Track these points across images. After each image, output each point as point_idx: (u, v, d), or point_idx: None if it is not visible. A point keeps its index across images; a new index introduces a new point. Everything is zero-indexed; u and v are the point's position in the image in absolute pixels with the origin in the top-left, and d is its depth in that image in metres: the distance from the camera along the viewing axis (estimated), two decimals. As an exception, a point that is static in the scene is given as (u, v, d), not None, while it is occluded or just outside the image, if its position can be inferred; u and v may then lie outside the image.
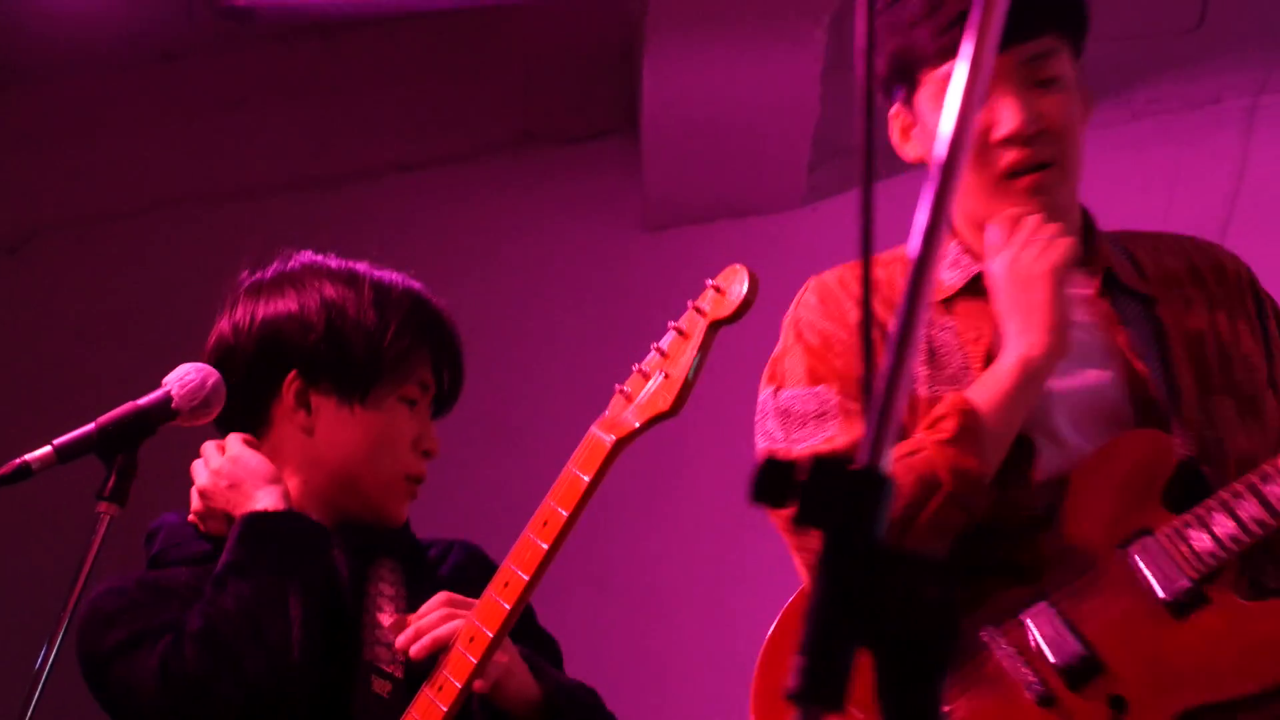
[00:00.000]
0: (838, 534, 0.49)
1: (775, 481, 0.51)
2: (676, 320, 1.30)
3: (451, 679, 1.34)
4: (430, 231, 2.74)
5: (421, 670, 1.39)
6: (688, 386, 1.28)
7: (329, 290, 1.49)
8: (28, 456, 1.29)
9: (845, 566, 0.48)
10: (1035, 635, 1.20)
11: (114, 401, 1.34)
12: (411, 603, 1.48)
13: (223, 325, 1.53)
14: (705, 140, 2.54)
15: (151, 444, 1.33)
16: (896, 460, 1.05)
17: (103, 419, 1.32)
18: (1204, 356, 1.32)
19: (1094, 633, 1.19)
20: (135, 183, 2.86)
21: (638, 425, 1.30)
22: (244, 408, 1.49)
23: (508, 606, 1.32)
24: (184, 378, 1.37)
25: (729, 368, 1.46)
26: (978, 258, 1.33)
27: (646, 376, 1.32)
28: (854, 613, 0.47)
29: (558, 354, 2.78)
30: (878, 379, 0.54)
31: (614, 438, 1.31)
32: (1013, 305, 1.25)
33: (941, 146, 0.54)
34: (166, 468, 1.44)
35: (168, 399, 1.35)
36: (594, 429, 1.34)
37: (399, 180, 2.83)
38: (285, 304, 1.50)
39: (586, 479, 1.31)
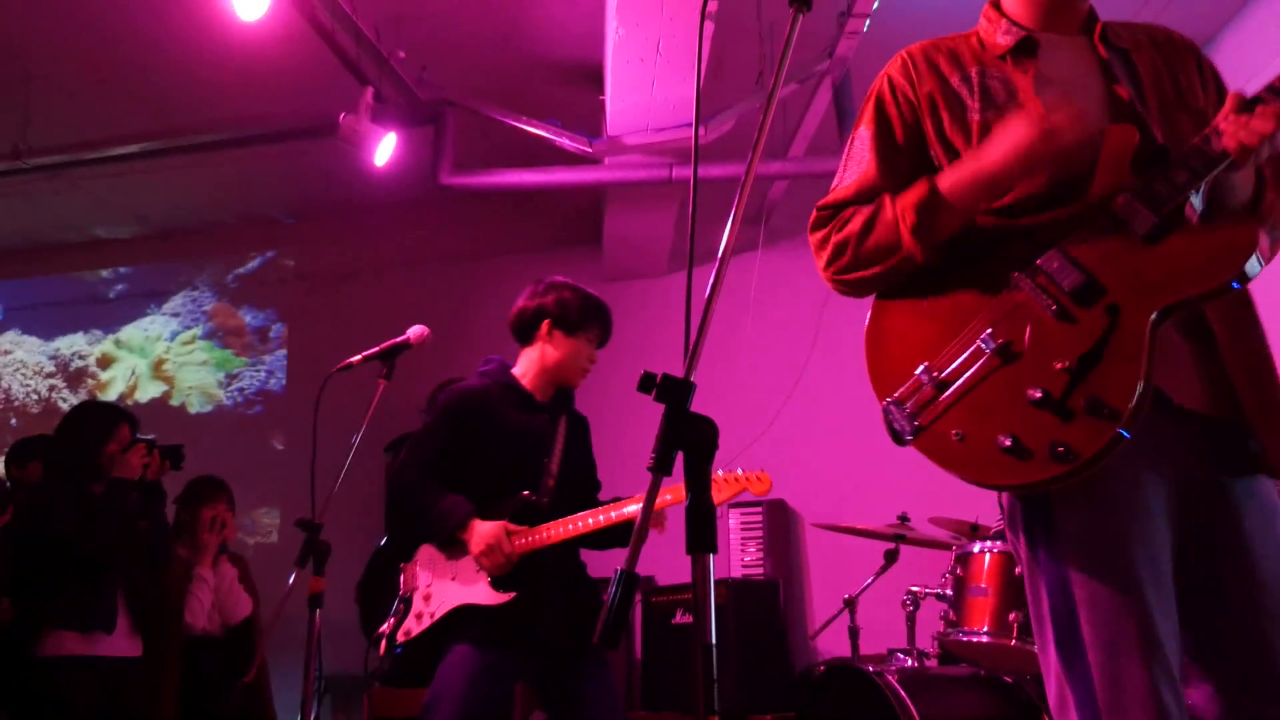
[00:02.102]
0: (670, 406, 1.34)
1: (650, 384, 1.35)
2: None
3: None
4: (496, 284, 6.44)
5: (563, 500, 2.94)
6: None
7: (567, 293, 3.10)
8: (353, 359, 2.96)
9: (671, 419, 1.33)
10: (1049, 272, 1.57)
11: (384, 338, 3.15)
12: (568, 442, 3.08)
13: (522, 303, 3.12)
14: (636, 247, 6.02)
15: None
16: (878, 225, 1.69)
17: (385, 344, 2.93)
18: (1165, 91, 1.68)
19: (1092, 264, 1.54)
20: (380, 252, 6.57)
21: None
22: (522, 334, 3.12)
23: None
24: (417, 330, 2.99)
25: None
26: (1025, 27, 1.72)
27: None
28: (674, 435, 1.34)
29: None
30: (693, 333, 1.36)
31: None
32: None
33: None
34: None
35: (408, 340, 2.96)
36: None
37: (505, 258, 6.50)
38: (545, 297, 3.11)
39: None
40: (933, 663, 3.45)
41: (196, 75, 5.09)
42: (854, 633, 3.82)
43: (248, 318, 6.80)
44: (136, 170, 5.93)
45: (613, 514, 2.86)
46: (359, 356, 2.94)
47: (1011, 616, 3.02)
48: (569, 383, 3.14)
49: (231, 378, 6.70)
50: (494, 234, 6.49)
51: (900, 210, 1.67)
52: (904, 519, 3.81)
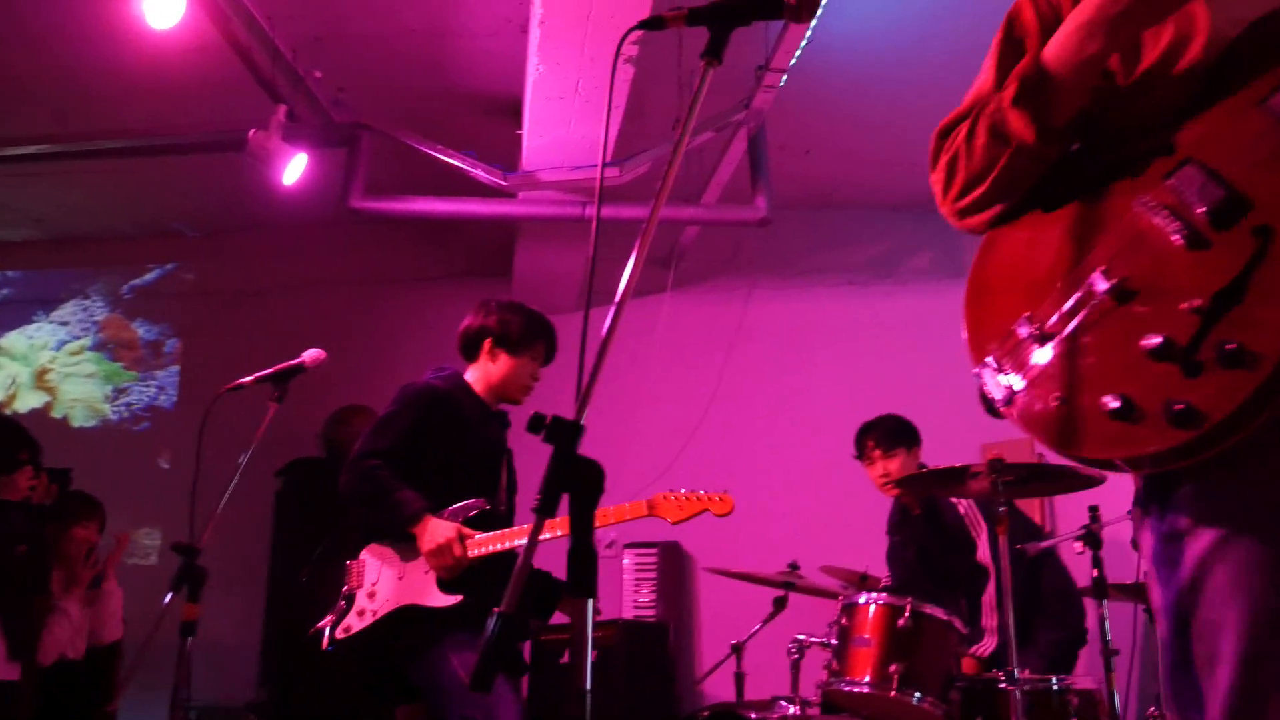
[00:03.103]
0: (557, 448, 1.35)
1: (539, 425, 1.37)
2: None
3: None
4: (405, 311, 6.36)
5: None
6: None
7: (510, 314, 3.21)
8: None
9: (558, 461, 1.34)
10: (1180, 190, 1.24)
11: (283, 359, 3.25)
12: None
13: (468, 321, 3.22)
14: (545, 283, 6.03)
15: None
16: (982, 118, 1.46)
17: (279, 366, 2.93)
18: None
19: (1236, 177, 1.21)
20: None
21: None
22: (467, 351, 3.18)
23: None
24: (313, 354, 2.98)
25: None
26: None
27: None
28: (560, 477, 1.35)
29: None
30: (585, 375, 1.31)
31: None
32: None
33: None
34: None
35: (302, 364, 2.96)
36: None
37: (413, 287, 6.44)
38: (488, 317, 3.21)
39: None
40: (815, 711, 3.48)
41: (103, 80, 4.96)
42: (739, 678, 3.83)
43: (141, 331, 6.59)
44: (34, 172, 5.74)
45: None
46: (251, 377, 2.89)
47: (892, 668, 3.06)
48: (512, 400, 3.19)
49: (120, 392, 6.48)
50: (402, 261, 6.44)
51: (1003, 92, 1.44)
52: (794, 566, 3.85)
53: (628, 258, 1.57)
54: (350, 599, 2.93)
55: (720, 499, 2.95)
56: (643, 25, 1.69)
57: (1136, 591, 3.48)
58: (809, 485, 5.90)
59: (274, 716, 4.82)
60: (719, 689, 4.72)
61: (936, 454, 4.24)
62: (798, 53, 4.28)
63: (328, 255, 6.36)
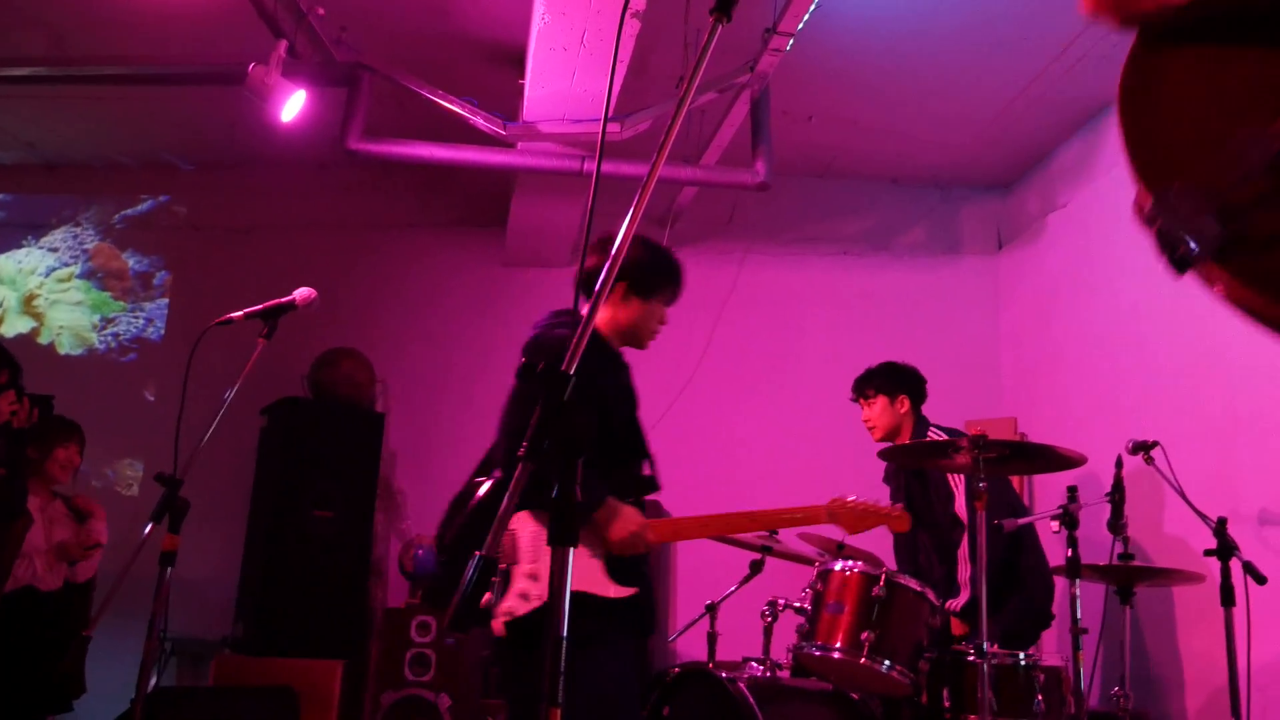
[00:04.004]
0: (547, 396, 1.41)
1: (530, 372, 1.72)
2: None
3: None
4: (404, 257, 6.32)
5: None
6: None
7: (639, 253, 2.83)
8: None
9: (548, 409, 1.40)
10: None
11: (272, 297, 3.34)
12: None
13: (592, 261, 2.79)
14: (540, 235, 6.00)
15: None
16: None
17: (269, 303, 2.91)
18: None
19: None
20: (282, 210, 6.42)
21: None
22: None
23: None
24: (304, 292, 3.03)
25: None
26: None
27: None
28: (548, 425, 1.39)
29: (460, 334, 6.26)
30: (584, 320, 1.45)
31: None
32: None
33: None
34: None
35: (293, 301, 2.97)
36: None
37: (407, 233, 6.41)
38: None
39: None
40: (785, 674, 3.52)
41: (102, 6, 4.88)
42: (712, 638, 3.87)
43: (131, 261, 6.55)
44: (27, 95, 5.66)
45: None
46: (240, 312, 2.87)
47: (864, 635, 3.10)
48: (639, 345, 2.94)
49: (107, 321, 6.44)
50: (397, 206, 6.40)
51: None
52: (773, 532, 3.88)
53: (624, 215, 1.56)
54: (506, 576, 2.56)
55: (899, 515, 2.91)
56: (653, -22, 1.68)
57: (1108, 573, 3.52)
58: (792, 450, 5.93)
59: (249, 651, 4.85)
60: (692, 648, 4.77)
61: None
62: (806, 17, 4.23)
63: (322, 196, 6.31)
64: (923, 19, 4.72)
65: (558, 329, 2.77)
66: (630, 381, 2.88)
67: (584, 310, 2.82)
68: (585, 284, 2.78)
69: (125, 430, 6.05)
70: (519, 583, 2.53)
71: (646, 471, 2.78)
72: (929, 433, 4.11)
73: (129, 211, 6.65)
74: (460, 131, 5.00)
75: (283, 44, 4.56)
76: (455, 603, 1.39)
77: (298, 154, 5.82)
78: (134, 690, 2.54)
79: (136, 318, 6.41)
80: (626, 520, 2.59)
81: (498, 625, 2.50)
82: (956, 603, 3.86)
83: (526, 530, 2.58)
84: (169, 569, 2.58)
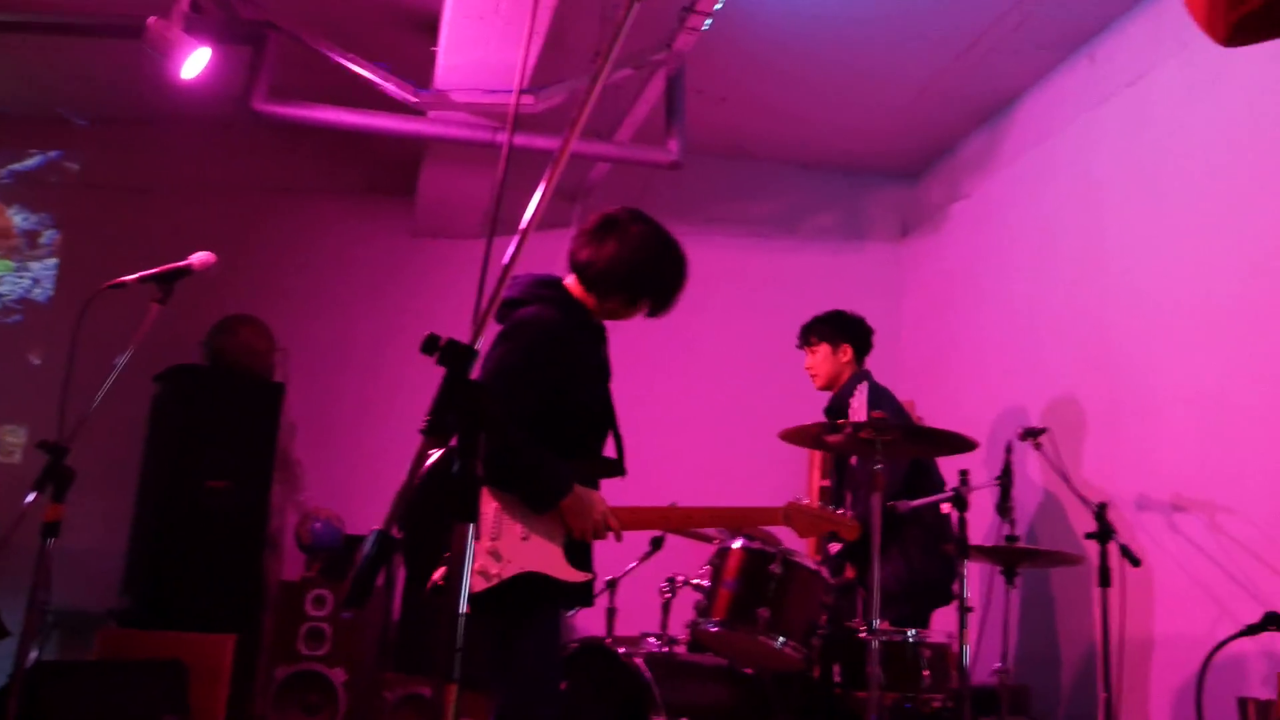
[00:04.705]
0: (450, 371, 1.37)
1: (433, 346, 1.36)
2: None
3: None
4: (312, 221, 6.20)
5: None
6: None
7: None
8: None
9: (450, 385, 1.36)
10: None
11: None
12: None
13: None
14: (449, 206, 5.93)
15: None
16: None
17: (164, 267, 2.86)
18: None
19: None
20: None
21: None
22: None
23: None
24: (202, 257, 2.92)
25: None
26: None
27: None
28: (450, 401, 1.37)
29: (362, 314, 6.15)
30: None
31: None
32: None
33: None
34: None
35: (190, 266, 2.89)
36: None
37: (312, 198, 6.27)
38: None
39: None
40: (682, 649, 3.57)
41: (-9, -54, 4.64)
42: (611, 614, 3.90)
43: (18, 219, 6.26)
44: (-92, 38, 5.36)
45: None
46: (134, 276, 2.77)
47: (760, 611, 3.16)
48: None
49: (-10, 280, 6.17)
50: (302, 171, 6.23)
51: None
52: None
53: (535, 188, 1.55)
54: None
55: (850, 523, 2.98)
56: (569, -48, 1.67)
57: (993, 554, 3.65)
58: (697, 428, 5.99)
59: (136, 624, 4.72)
60: (590, 623, 4.79)
61: (820, 411, 4.35)
62: (723, -2, 4.25)
63: (224, 158, 6.11)
64: (839, 6, 4.77)
65: (541, 305, 2.69)
66: (606, 355, 2.85)
67: (568, 283, 2.78)
68: (584, 268, 2.77)
69: (8, 395, 5.82)
70: (479, 559, 2.50)
71: (613, 453, 2.79)
72: (857, 388, 4.13)
73: (17, 166, 6.35)
74: (370, 97, 4.90)
75: (185, -2, 4.40)
76: (351, 577, 1.38)
77: (200, 113, 5.63)
78: (13, 664, 2.46)
79: (22, 278, 6.15)
80: (591, 508, 2.60)
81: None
82: (837, 545, 3.93)
83: (489, 507, 2.55)
84: (51, 539, 2.49)
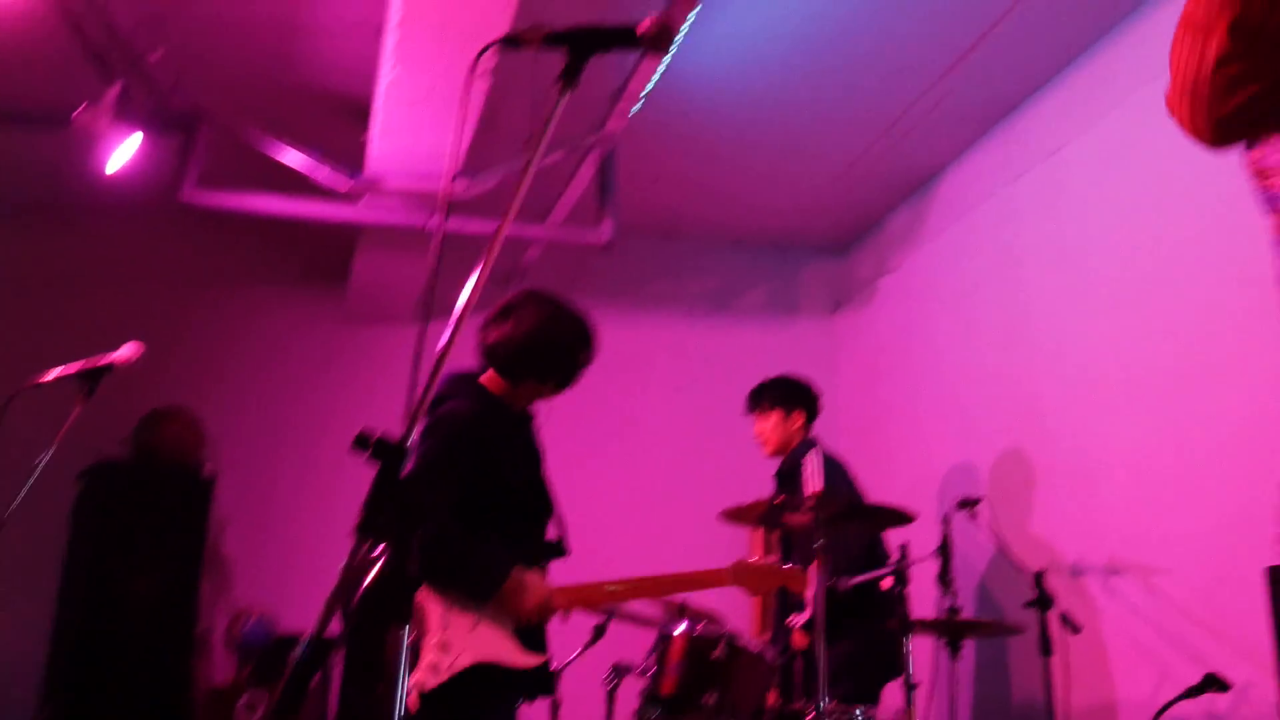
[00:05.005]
0: (382, 468, 1.34)
1: (364, 443, 1.34)
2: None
3: None
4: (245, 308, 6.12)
5: None
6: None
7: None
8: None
9: (382, 482, 1.32)
10: None
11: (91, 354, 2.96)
12: None
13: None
14: (384, 292, 5.90)
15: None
16: None
17: (87, 362, 2.81)
18: None
19: None
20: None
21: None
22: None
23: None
24: (128, 350, 2.83)
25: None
26: None
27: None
28: (383, 498, 1.33)
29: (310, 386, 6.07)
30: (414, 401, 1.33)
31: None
32: None
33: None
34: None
35: (114, 362, 2.82)
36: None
37: (243, 287, 6.20)
38: None
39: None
40: (629, 738, 3.49)
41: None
42: (555, 706, 3.81)
43: (-66, 312, 6.09)
44: None
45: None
46: (54, 374, 2.70)
47: (706, 698, 3.11)
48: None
49: (-95, 376, 5.96)
50: (233, 260, 6.17)
51: None
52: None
53: (470, 272, 1.55)
54: (415, 649, 2.52)
55: (799, 574, 2.98)
56: (501, 43, 1.69)
57: (936, 627, 3.64)
58: (637, 510, 5.95)
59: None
60: (534, 715, 4.68)
61: (763, 486, 4.35)
62: (652, 82, 4.33)
63: (153, 247, 6.03)
64: (766, 89, 4.89)
65: (456, 400, 2.77)
66: (534, 439, 2.92)
67: (485, 379, 2.85)
68: (491, 355, 2.85)
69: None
70: (429, 654, 2.50)
71: (553, 534, 2.82)
72: (808, 456, 4.13)
73: (-65, 257, 6.20)
74: (303, 184, 4.89)
75: (114, 87, 4.37)
76: (282, 684, 1.33)
77: (127, 202, 5.56)
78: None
79: (-61, 372, 5.95)
80: (533, 590, 2.61)
81: (411, 699, 2.46)
82: (800, 618, 3.90)
83: (435, 600, 2.56)
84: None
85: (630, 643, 4.04)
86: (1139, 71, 4.15)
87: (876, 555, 4.01)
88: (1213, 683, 3.18)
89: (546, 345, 2.88)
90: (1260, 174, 1.35)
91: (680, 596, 3.97)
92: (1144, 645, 3.82)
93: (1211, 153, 1.44)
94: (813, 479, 3.91)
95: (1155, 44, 3.96)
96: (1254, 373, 3.51)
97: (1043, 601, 3.65)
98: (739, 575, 2.95)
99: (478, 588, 2.56)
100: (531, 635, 2.63)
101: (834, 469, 4.12)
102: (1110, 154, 4.37)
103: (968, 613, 4.53)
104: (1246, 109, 1.28)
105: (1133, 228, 4.21)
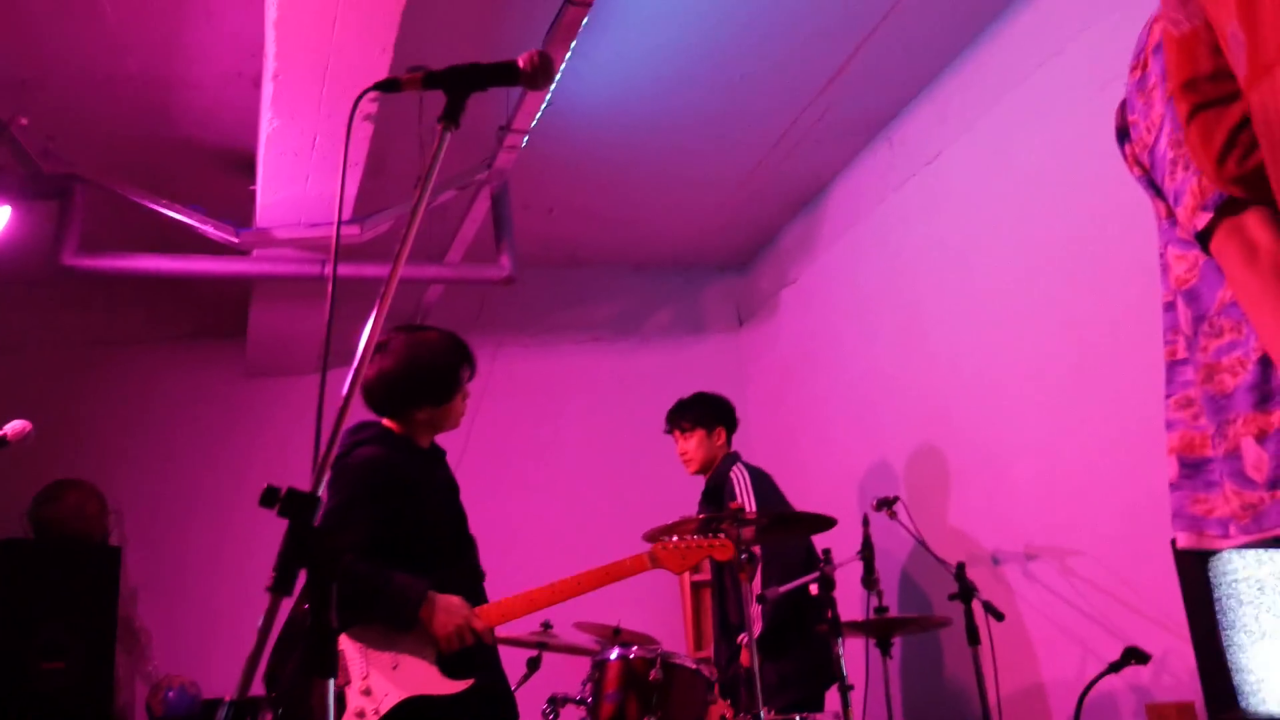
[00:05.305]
0: (293, 523, 1.31)
1: (273, 498, 1.31)
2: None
3: None
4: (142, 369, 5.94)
5: None
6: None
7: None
8: None
9: (294, 537, 1.30)
10: None
11: None
12: None
13: (379, 368, 2.91)
14: (282, 344, 5.79)
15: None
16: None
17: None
18: None
19: None
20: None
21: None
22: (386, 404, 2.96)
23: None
24: (16, 426, 2.78)
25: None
26: None
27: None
28: (296, 553, 1.30)
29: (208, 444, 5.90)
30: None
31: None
32: None
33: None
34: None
35: (4, 437, 2.75)
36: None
37: (137, 349, 6.02)
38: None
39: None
40: (570, 771, 3.45)
41: None
42: (495, 745, 3.74)
43: None
44: None
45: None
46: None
47: (645, 720, 3.10)
48: (453, 428, 3.06)
49: None
50: (124, 321, 5.98)
51: None
52: (547, 626, 3.82)
53: (368, 317, 1.53)
54: (341, 698, 2.52)
55: (722, 544, 2.93)
56: (378, 87, 1.68)
57: (865, 627, 3.69)
58: (561, 540, 5.91)
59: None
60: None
61: (684, 505, 4.37)
62: (538, 115, 4.35)
63: (36, 316, 5.81)
64: (652, 112, 4.94)
65: (363, 447, 2.80)
66: (446, 472, 2.97)
67: (376, 417, 2.85)
68: (370, 395, 2.84)
69: None
70: (354, 701, 2.50)
71: (470, 561, 2.86)
72: (733, 471, 4.18)
73: None
74: (190, 241, 4.78)
75: (-20, 158, 4.22)
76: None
77: (5, 272, 5.36)
78: None
79: None
80: (450, 613, 2.61)
81: None
82: (745, 637, 3.93)
83: (352, 648, 2.57)
84: None
85: (565, 673, 4.01)
86: (1009, 73, 4.30)
87: (813, 562, 4.06)
88: (1134, 655, 3.28)
89: (425, 369, 2.92)
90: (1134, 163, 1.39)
91: (614, 621, 3.96)
92: (1065, 626, 3.93)
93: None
94: (743, 494, 3.95)
95: (1022, 46, 4.12)
96: (1147, 355, 3.63)
97: (965, 593, 3.73)
98: (658, 558, 2.96)
99: (395, 616, 2.55)
100: (461, 661, 2.63)
101: (761, 480, 4.17)
102: (987, 156, 4.52)
103: (894, 610, 4.61)
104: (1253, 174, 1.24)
105: (1014, 226, 4.35)
